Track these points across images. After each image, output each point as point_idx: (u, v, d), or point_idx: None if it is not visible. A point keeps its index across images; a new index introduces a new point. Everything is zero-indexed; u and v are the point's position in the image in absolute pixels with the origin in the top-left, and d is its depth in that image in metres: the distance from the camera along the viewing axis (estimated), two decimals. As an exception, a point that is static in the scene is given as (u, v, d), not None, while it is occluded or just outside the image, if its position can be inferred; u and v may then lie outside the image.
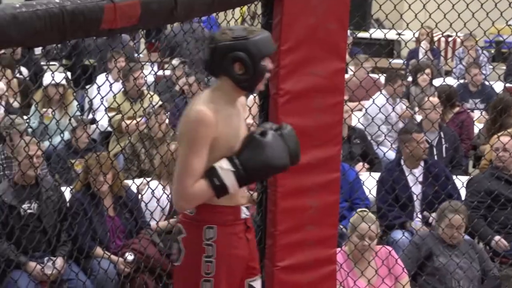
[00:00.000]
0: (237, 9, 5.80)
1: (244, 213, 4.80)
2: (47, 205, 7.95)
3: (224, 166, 4.50)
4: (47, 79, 11.94)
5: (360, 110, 11.76)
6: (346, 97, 8.04)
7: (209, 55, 4.67)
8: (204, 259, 4.58)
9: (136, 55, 13.80)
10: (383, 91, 11.83)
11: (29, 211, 7.77)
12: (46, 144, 10.10)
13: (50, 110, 10.83)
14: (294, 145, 4.75)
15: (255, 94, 5.73)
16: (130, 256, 8.15)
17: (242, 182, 4.54)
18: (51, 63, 13.71)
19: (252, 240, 4.87)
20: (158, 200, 7.97)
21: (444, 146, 10.58)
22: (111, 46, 11.83)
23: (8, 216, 7.67)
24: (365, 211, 7.72)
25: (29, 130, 10.26)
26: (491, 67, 14.48)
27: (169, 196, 8.29)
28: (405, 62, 14.82)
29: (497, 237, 8.78)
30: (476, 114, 12.34)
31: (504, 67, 15.65)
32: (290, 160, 4.72)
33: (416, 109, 11.68)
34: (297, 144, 4.80)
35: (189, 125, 4.61)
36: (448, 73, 14.81)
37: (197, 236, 4.62)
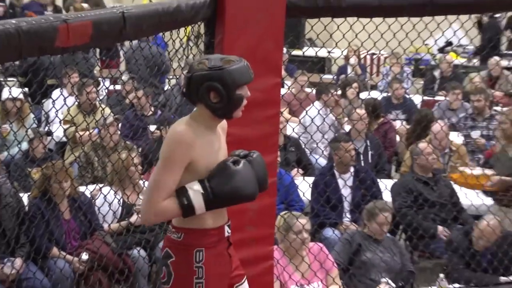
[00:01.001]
0: (182, 29, 5.76)
1: (227, 231, 4.77)
2: (6, 210, 7.87)
3: (194, 188, 4.43)
4: (5, 94, 11.93)
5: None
6: (282, 109, 8.05)
7: (186, 83, 4.60)
8: (195, 280, 4.55)
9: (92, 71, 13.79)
10: (316, 103, 11.82)
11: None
12: (5, 154, 10.07)
13: (7, 126, 10.79)
14: (262, 172, 4.72)
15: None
16: (85, 256, 8.10)
17: (210, 206, 4.45)
18: (8, 79, 13.69)
19: (233, 253, 4.83)
20: (110, 204, 7.88)
21: (370, 153, 10.63)
22: (64, 63, 11.89)
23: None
24: (293, 213, 7.72)
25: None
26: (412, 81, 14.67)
27: (120, 200, 8.36)
28: (335, 77, 14.89)
29: (440, 228, 8.99)
30: (397, 124, 12.40)
31: (422, 82, 15.78)
32: (258, 187, 4.68)
33: (345, 119, 11.71)
34: (264, 171, 4.78)
35: (167, 144, 4.54)
36: (373, 87, 14.89)
37: (187, 260, 4.56)
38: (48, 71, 13.42)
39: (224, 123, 4.77)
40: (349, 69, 15.01)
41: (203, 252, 4.55)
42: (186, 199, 4.41)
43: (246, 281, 4.90)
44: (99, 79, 12.36)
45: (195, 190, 4.42)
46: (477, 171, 8.39)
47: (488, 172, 8.47)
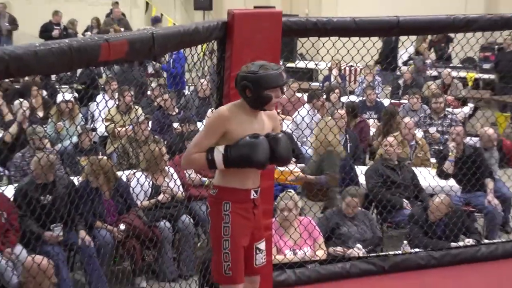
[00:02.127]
0: (199, 46, 5.75)
1: (253, 195, 4.83)
2: (60, 193, 7.89)
3: (220, 149, 4.62)
4: (59, 97, 11.98)
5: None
6: (278, 110, 8.06)
7: (235, 80, 4.76)
8: (223, 225, 4.72)
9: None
10: (306, 105, 11.83)
11: (45, 201, 7.70)
12: (59, 146, 10.11)
13: (61, 123, 10.82)
14: (282, 149, 4.76)
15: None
16: (122, 227, 8.11)
17: (227, 164, 4.61)
18: (63, 86, 13.71)
19: (258, 214, 4.90)
20: (142, 186, 7.95)
21: (349, 145, 10.62)
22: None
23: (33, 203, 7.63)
24: (290, 191, 7.72)
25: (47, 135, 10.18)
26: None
27: (150, 183, 8.42)
28: (321, 84, 14.88)
29: (405, 203, 9.04)
30: (371, 122, 12.41)
31: (390, 89, 15.76)
32: (276, 160, 4.83)
33: (329, 118, 11.72)
34: (284, 149, 4.81)
35: (210, 117, 4.94)
36: (351, 93, 14.88)
37: (218, 209, 4.77)
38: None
39: (274, 113, 4.98)
40: (332, 78, 14.97)
41: (230, 205, 4.73)
42: (210, 155, 4.61)
43: (264, 243, 4.94)
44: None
45: (219, 151, 4.61)
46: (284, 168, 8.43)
47: (292, 167, 8.44)
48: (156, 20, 19.20)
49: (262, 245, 4.90)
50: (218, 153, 4.59)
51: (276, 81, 4.62)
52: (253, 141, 4.57)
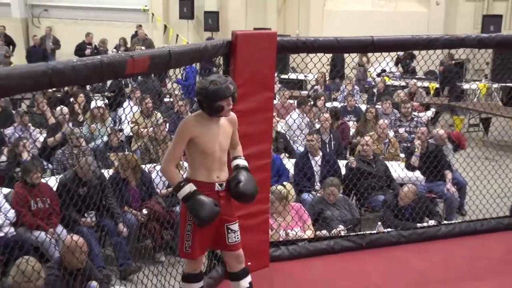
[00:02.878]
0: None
1: (217, 187, 4.74)
2: (93, 184, 7.97)
3: (187, 188, 4.60)
4: (92, 104, 12.12)
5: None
6: (274, 113, 8.07)
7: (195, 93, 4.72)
8: (188, 213, 4.66)
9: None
10: (296, 110, 11.84)
11: (81, 192, 7.73)
12: (92, 144, 10.21)
13: (94, 125, 10.93)
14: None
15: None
16: (144, 211, 8.14)
17: (184, 201, 4.63)
18: (95, 94, 13.76)
19: (224, 203, 4.78)
20: (161, 177, 7.87)
21: (333, 143, 10.64)
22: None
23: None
24: (284, 185, 7.75)
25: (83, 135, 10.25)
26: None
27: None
28: (309, 93, 14.87)
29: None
30: (350, 124, 12.42)
31: (366, 96, 15.78)
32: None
33: (316, 120, 11.71)
34: (248, 189, 4.86)
35: (179, 125, 4.75)
36: (334, 100, 14.87)
37: None
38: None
39: (233, 117, 4.83)
40: (319, 88, 14.94)
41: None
42: (183, 184, 4.62)
43: (236, 224, 4.85)
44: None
45: (188, 189, 4.59)
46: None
47: None
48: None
49: (234, 226, 4.82)
50: (185, 190, 4.58)
51: (224, 94, 4.56)
52: (203, 200, 4.57)
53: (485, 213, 7.82)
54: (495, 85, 16.47)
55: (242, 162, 4.94)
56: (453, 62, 16.85)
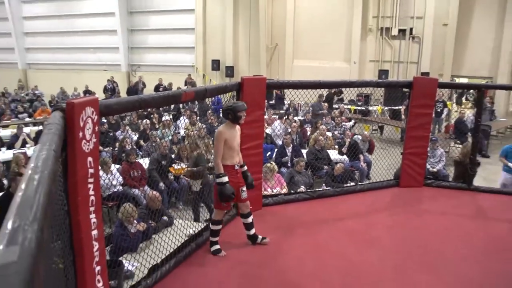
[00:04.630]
0: (228, 93, 5.72)
1: (236, 167, 4.71)
2: (168, 159, 8.05)
3: (225, 179, 4.50)
4: (164, 118, 12.00)
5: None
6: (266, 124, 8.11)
7: (223, 111, 4.67)
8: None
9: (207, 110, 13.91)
10: (277, 121, 11.77)
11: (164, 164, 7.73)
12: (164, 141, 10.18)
13: (166, 130, 10.92)
14: (249, 182, 4.84)
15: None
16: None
17: (218, 185, 4.51)
18: (165, 112, 13.70)
19: (240, 176, 4.75)
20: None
21: (298, 140, 10.59)
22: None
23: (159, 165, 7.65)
24: (271, 163, 7.67)
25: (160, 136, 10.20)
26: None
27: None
28: (286, 112, 14.74)
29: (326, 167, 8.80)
30: (308, 129, 12.33)
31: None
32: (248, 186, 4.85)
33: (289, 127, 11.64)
34: (250, 182, 4.84)
35: (216, 134, 4.59)
36: (298, 115, 14.82)
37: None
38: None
39: (239, 126, 4.75)
40: (291, 109, 14.86)
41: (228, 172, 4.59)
42: (222, 175, 4.49)
43: (245, 187, 4.79)
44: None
45: (224, 179, 4.49)
46: (178, 165, 8.29)
47: (184, 166, 8.18)
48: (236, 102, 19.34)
49: (244, 188, 4.77)
50: (222, 178, 4.47)
51: (244, 107, 4.61)
52: (228, 188, 4.48)
53: (381, 178, 7.81)
54: (386, 108, 16.45)
55: (246, 168, 4.89)
56: (363, 94, 16.85)
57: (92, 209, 3.16)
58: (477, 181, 7.67)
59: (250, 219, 4.94)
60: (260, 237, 5.01)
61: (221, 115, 4.89)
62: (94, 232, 3.18)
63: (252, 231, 4.98)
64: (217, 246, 4.79)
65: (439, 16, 18.26)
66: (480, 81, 17.70)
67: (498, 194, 7.27)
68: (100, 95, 18.47)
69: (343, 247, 5.03)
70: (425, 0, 18.25)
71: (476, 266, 4.69)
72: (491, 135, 14.02)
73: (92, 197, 3.14)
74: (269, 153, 9.73)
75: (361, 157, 9.63)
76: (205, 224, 5.45)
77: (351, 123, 13.48)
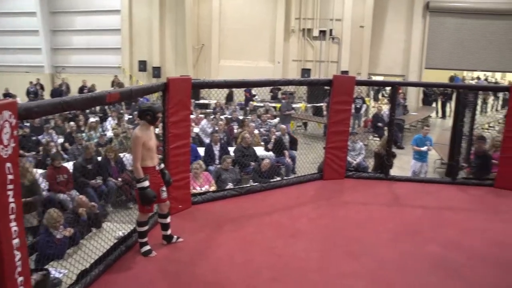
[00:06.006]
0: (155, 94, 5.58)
1: (157, 167, 4.60)
2: (93, 162, 7.63)
3: (146, 183, 4.38)
4: (90, 120, 11.52)
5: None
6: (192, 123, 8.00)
7: (139, 112, 4.53)
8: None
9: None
10: (204, 120, 11.66)
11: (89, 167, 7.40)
12: (90, 142, 9.81)
13: (91, 132, 10.45)
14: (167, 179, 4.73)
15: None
16: (120, 179, 7.83)
17: (140, 190, 4.39)
18: (90, 114, 13.16)
19: (158, 176, 4.61)
20: (127, 160, 7.56)
21: (225, 137, 10.52)
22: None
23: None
24: (198, 163, 7.56)
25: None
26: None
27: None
28: (212, 111, 14.63)
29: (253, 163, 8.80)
30: (235, 127, 12.32)
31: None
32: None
33: (216, 126, 11.56)
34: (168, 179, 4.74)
35: (133, 137, 4.43)
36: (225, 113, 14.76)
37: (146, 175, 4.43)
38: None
39: (153, 127, 4.65)
40: (217, 108, 14.77)
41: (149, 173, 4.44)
42: (142, 180, 4.36)
43: (165, 187, 4.69)
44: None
45: (145, 182, 4.37)
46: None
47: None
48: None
49: (164, 188, 4.66)
50: (143, 183, 4.34)
51: (161, 109, 4.60)
52: (150, 192, 4.38)
53: (305, 172, 7.97)
54: (309, 105, 16.82)
55: (163, 165, 4.79)
56: (288, 93, 17.13)
57: (12, 217, 2.97)
58: (394, 171, 8.02)
59: (168, 219, 4.85)
60: (175, 237, 4.94)
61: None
62: (16, 241, 2.99)
63: (169, 231, 4.89)
64: (147, 247, 4.67)
65: (356, 19, 18.93)
66: (394, 78, 18.54)
67: (411, 182, 7.67)
68: (23, 98, 17.49)
69: (271, 241, 5.08)
70: (343, 3, 18.85)
71: (394, 250, 4.91)
72: (405, 128, 14.73)
73: (12, 205, 2.96)
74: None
75: (286, 152, 9.77)
76: (134, 226, 5.30)
77: (276, 120, 13.65)
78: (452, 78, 26.36)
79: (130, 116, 12.72)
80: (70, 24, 21.63)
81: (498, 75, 30.42)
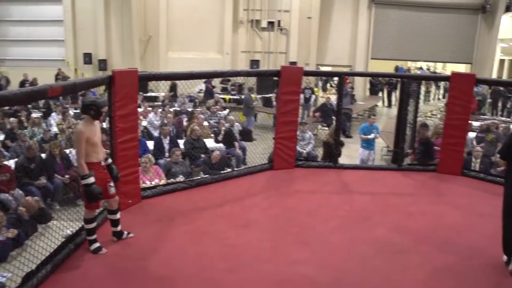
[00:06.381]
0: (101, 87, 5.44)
1: (102, 163, 4.46)
2: (37, 161, 7.36)
3: (91, 180, 4.23)
4: (33, 115, 11.09)
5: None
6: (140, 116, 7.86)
7: (82, 106, 4.37)
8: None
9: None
10: (152, 113, 11.48)
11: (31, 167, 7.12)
12: (34, 139, 9.41)
13: (34, 128, 10.06)
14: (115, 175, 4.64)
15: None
16: (67, 176, 7.59)
17: (85, 187, 4.25)
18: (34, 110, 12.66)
19: (106, 172, 4.52)
20: (73, 156, 7.38)
21: (175, 130, 10.42)
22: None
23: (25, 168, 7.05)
24: (147, 157, 7.44)
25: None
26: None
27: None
28: (160, 103, 14.38)
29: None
30: (185, 119, 12.21)
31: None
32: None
33: (164, 118, 11.42)
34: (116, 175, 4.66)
35: (77, 133, 4.30)
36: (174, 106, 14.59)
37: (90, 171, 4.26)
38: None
39: (98, 121, 4.47)
40: (166, 100, 14.55)
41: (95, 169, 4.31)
42: (87, 176, 4.21)
43: (112, 182, 4.57)
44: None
45: (90, 180, 4.22)
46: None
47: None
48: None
49: (111, 183, 4.55)
50: (88, 180, 4.20)
51: (106, 104, 4.45)
52: (96, 189, 4.25)
53: (256, 162, 8.01)
54: (259, 96, 16.90)
55: (110, 160, 4.69)
56: (237, 84, 17.14)
57: None
58: (342, 159, 8.20)
59: (118, 215, 4.74)
60: (125, 232, 4.85)
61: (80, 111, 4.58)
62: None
63: (119, 228, 4.79)
64: (97, 244, 4.56)
65: (303, 10, 19.13)
66: (342, 69, 18.93)
67: (359, 170, 7.87)
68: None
69: (223, 232, 5.08)
70: (291, -6, 19.03)
71: (344, 236, 5.04)
72: (353, 117, 15.08)
73: None
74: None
75: (236, 144, 9.79)
76: (82, 223, 5.16)
77: (226, 111, 13.64)
78: (396, 68, 27.18)
79: (77, 111, 12.35)
80: (8, 14, 20.63)
81: (439, 66, 31.66)
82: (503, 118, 14.79)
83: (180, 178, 7.66)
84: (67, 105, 13.11)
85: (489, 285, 4.12)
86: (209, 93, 16.34)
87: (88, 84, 4.91)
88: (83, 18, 19.86)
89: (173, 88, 15.55)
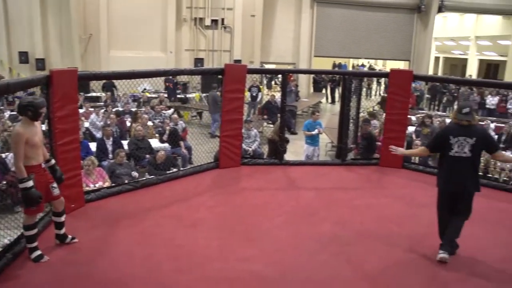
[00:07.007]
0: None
1: (42, 165, 4.31)
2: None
3: (30, 183, 4.05)
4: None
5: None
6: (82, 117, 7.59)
7: (19, 107, 4.20)
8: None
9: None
10: (93, 114, 11.13)
11: None
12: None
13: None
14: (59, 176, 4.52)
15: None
16: (4, 182, 7.24)
17: (23, 191, 4.06)
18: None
19: (47, 174, 4.38)
20: (11, 160, 7.05)
21: (118, 131, 10.13)
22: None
23: None
24: (90, 159, 7.20)
25: None
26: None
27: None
28: (105, 103, 13.97)
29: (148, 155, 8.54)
30: (128, 119, 11.89)
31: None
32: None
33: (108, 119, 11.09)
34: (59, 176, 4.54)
35: (14, 134, 4.11)
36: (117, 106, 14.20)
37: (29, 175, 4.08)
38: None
39: (39, 122, 4.29)
40: (109, 101, 14.13)
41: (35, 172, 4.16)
42: (25, 180, 4.03)
43: (55, 183, 4.43)
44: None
45: (28, 183, 4.04)
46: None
47: None
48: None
49: (54, 184, 4.41)
50: (26, 183, 4.01)
51: (44, 104, 4.26)
52: (35, 193, 4.07)
53: (202, 162, 7.98)
54: (203, 94, 16.82)
55: (53, 161, 4.53)
56: (182, 82, 16.98)
57: None
58: (288, 156, 8.32)
59: (63, 218, 4.59)
60: (69, 237, 4.70)
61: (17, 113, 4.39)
62: None
63: (63, 230, 4.64)
64: (38, 252, 4.37)
65: (247, 8, 19.19)
66: (286, 66, 19.14)
67: (304, 166, 8.01)
68: None
69: (171, 232, 5.03)
70: (234, -8, 19.04)
71: (290, 232, 5.12)
72: (297, 114, 15.30)
73: None
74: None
75: (181, 143, 9.69)
76: (21, 231, 4.96)
77: (171, 111, 13.48)
78: (337, 65, 27.82)
79: (13, 112, 11.79)
80: None
81: (380, 63, 32.73)
82: (439, 113, 15.47)
83: (124, 180, 7.50)
84: (2, 107, 12.49)
85: (427, 276, 4.31)
86: (172, 90, 16.05)
87: (23, 84, 4.72)
88: (17, 15, 18.91)
89: (109, 88, 15.08)
